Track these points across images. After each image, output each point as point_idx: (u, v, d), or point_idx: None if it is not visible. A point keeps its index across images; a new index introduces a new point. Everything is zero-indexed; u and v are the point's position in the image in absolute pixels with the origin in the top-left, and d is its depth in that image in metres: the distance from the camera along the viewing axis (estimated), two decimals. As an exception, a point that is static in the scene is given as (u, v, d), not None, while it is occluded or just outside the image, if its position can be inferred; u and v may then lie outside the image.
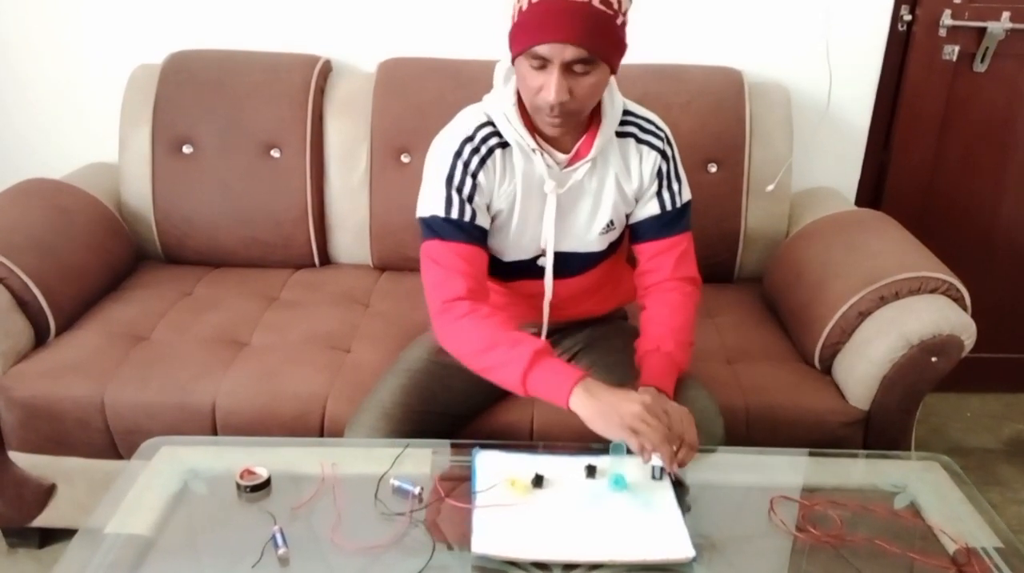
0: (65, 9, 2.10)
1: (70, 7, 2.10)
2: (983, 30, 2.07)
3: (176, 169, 2.00)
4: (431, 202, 1.33)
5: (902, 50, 2.14)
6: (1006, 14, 2.05)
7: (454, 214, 1.32)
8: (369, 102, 1.99)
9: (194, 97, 1.99)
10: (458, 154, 1.33)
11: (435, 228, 1.33)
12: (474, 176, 1.33)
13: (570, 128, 1.31)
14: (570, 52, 1.17)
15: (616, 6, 1.19)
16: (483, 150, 1.34)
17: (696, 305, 1.47)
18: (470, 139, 1.34)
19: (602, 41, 1.19)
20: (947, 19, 2.06)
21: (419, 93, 1.95)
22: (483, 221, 1.35)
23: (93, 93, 2.17)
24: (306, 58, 2.05)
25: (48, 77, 2.17)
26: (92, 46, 2.14)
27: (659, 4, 2.07)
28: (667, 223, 1.43)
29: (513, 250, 1.42)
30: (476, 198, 1.33)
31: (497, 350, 1.26)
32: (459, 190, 1.32)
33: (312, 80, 2.00)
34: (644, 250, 1.47)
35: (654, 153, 1.40)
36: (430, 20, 2.09)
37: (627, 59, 1.96)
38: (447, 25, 2.08)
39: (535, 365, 1.23)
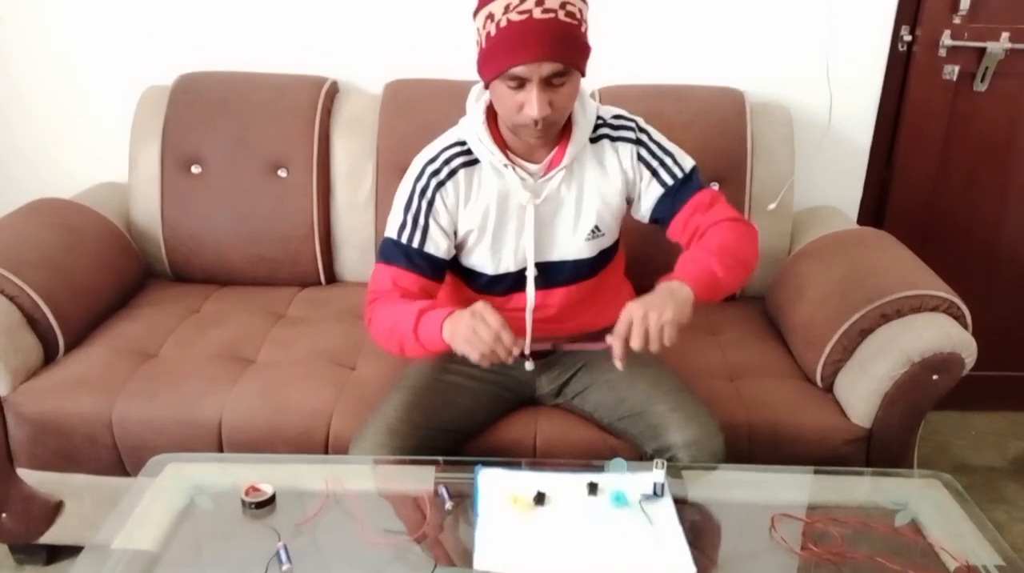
0: (75, 33, 2.14)
1: (81, 30, 2.14)
2: (983, 50, 2.08)
3: (184, 188, 2.02)
4: (389, 224, 1.42)
5: (903, 70, 2.16)
6: (1005, 34, 2.06)
7: (404, 238, 1.39)
8: (375, 122, 2.01)
9: (203, 118, 2.02)
10: (418, 178, 1.40)
11: (384, 250, 1.41)
12: (431, 203, 1.38)
13: (550, 138, 1.35)
14: (547, 68, 1.21)
15: (579, 15, 1.24)
16: (444, 172, 1.38)
17: (744, 232, 1.40)
18: (432, 161, 1.39)
19: (573, 52, 1.24)
20: (947, 39, 2.07)
21: (424, 113, 1.97)
22: (434, 249, 1.39)
23: (103, 114, 2.20)
24: (313, 79, 2.08)
25: (59, 99, 2.21)
26: (103, 68, 2.17)
27: (662, 25, 2.10)
28: (678, 191, 1.42)
29: (494, 264, 1.44)
30: (432, 224, 1.38)
31: (396, 325, 1.33)
32: (415, 217, 1.39)
33: (319, 100, 2.03)
34: (675, 226, 1.44)
35: (627, 145, 1.42)
36: (435, 42, 2.12)
37: (630, 79, 2.04)
38: (452, 47, 2.10)
39: (420, 320, 1.29)
